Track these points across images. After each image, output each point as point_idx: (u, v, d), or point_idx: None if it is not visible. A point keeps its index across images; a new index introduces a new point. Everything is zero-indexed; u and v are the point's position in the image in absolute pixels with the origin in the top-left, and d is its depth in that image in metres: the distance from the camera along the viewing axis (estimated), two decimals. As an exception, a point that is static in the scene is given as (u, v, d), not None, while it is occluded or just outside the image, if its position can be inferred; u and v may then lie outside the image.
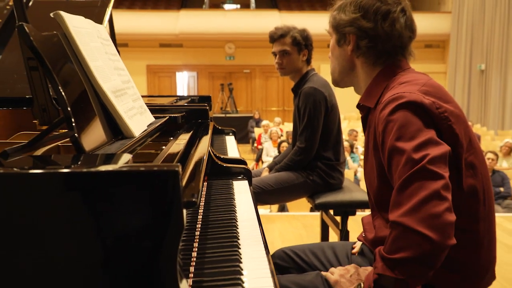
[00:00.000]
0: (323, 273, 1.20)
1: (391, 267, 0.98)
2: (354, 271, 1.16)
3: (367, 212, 2.58)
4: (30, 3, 1.88)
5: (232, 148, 2.42)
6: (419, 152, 0.99)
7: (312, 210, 3.81)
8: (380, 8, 1.18)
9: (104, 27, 1.58)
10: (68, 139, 0.92)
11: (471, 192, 1.10)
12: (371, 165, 1.21)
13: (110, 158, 0.85)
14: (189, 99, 2.90)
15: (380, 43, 1.19)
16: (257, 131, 10.33)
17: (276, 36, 2.49)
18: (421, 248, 0.94)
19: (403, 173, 1.00)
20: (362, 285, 1.08)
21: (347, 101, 7.78)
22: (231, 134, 2.80)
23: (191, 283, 0.87)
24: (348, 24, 1.21)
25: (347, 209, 2.37)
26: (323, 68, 13.20)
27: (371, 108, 1.21)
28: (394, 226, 0.98)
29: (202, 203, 1.36)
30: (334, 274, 1.17)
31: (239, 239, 1.13)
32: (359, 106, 1.28)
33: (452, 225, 0.96)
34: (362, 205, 2.37)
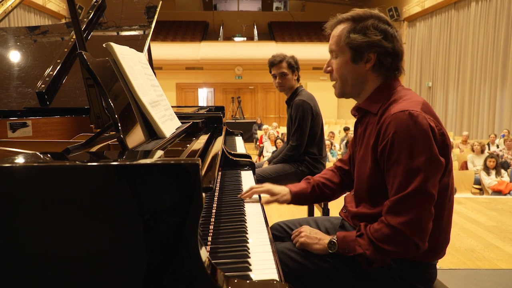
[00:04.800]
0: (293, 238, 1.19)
1: (377, 251, 1.00)
2: (309, 230, 1.16)
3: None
4: (89, 37, 1.87)
5: (240, 146, 2.41)
6: (422, 173, 0.95)
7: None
8: (391, 31, 1.09)
9: (144, 55, 1.57)
10: (115, 139, 0.92)
11: (444, 188, 1.05)
12: (364, 158, 1.13)
13: (147, 153, 0.84)
14: (208, 109, 2.89)
15: (397, 59, 1.11)
16: (259, 133, 10.30)
17: (276, 62, 2.49)
18: (408, 248, 0.98)
19: (405, 185, 0.96)
20: (336, 242, 1.07)
21: (327, 109, 7.77)
22: (239, 135, 2.79)
23: (209, 249, 0.87)
24: (373, 45, 1.08)
25: (327, 192, 2.35)
26: (310, 85, 13.14)
27: (372, 113, 1.13)
28: (391, 228, 0.98)
29: (217, 188, 1.35)
30: (300, 238, 1.15)
31: (245, 215, 1.12)
32: (359, 109, 1.18)
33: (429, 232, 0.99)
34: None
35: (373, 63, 1.10)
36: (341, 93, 1.19)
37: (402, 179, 0.97)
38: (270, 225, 1.23)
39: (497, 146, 7.70)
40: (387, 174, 1.03)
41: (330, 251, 1.09)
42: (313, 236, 1.13)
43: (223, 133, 1.79)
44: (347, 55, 1.11)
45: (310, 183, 1.39)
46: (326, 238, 1.12)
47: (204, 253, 0.66)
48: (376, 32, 1.07)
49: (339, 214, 1.37)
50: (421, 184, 0.95)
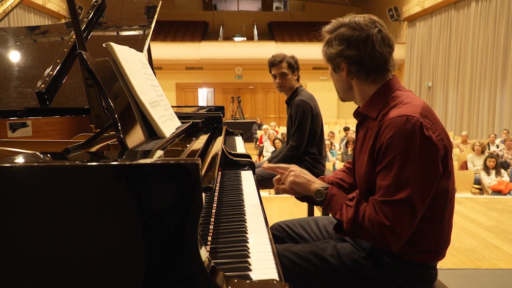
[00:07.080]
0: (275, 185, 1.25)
1: (353, 230, 1.04)
2: (299, 171, 1.18)
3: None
4: (89, 37, 1.87)
5: (240, 146, 2.41)
6: (412, 182, 0.95)
7: (300, 192, 3.79)
8: (360, 36, 1.06)
9: (144, 55, 1.57)
10: (115, 139, 0.92)
11: (445, 191, 1.05)
12: (363, 161, 1.13)
13: (147, 153, 0.84)
14: (207, 109, 2.89)
15: (366, 65, 1.09)
16: (259, 133, 10.30)
17: (276, 62, 2.49)
18: (381, 245, 1.04)
19: (393, 191, 0.97)
20: (324, 194, 1.10)
21: (327, 109, 7.75)
22: (239, 135, 2.79)
23: (208, 249, 0.87)
24: (337, 55, 1.11)
25: (327, 192, 2.35)
26: (309, 85, 13.15)
27: (372, 117, 1.12)
28: (372, 223, 0.99)
29: (217, 188, 1.35)
30: (289, 177, 1.19)
31: (245, 215, 1.12)
32: (359, 113, 1.19)
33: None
34: (338, 189, 2.35)
35: (346, 71, 1.13)
36: (341, 99, 1.27)
37: (391, 183, 0.97)
38: (270, 225, 1.22)
39: (497, 146, 7.70)
40: (377, 174, 1.03)
41: (317, 199, 1.12)
42: (302, 176, 1.16)
43: (223, 133, 1.79)
44: (329, 66, 1.19)
45: (325, 181, 1.37)
46: (316, 183, 1.15)
47: (204, 253, 0.66)
48: (337, 42, 1.10)
49: None
50: (409, 195, 0.95)
